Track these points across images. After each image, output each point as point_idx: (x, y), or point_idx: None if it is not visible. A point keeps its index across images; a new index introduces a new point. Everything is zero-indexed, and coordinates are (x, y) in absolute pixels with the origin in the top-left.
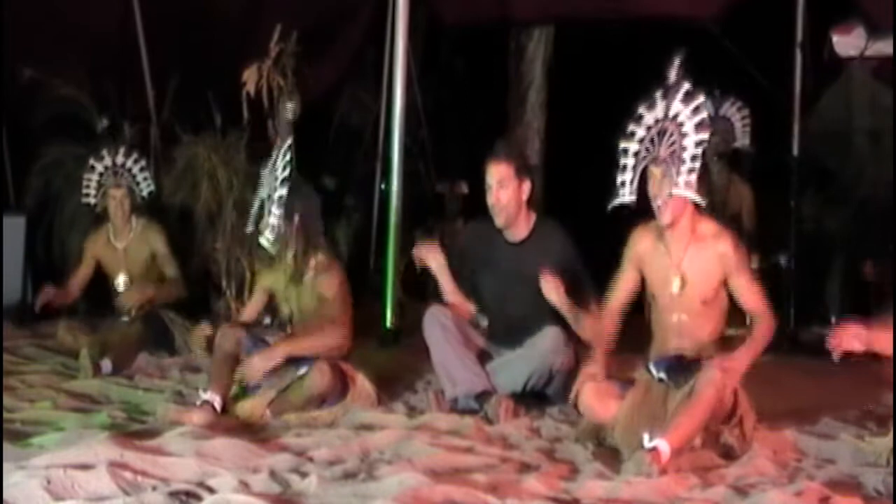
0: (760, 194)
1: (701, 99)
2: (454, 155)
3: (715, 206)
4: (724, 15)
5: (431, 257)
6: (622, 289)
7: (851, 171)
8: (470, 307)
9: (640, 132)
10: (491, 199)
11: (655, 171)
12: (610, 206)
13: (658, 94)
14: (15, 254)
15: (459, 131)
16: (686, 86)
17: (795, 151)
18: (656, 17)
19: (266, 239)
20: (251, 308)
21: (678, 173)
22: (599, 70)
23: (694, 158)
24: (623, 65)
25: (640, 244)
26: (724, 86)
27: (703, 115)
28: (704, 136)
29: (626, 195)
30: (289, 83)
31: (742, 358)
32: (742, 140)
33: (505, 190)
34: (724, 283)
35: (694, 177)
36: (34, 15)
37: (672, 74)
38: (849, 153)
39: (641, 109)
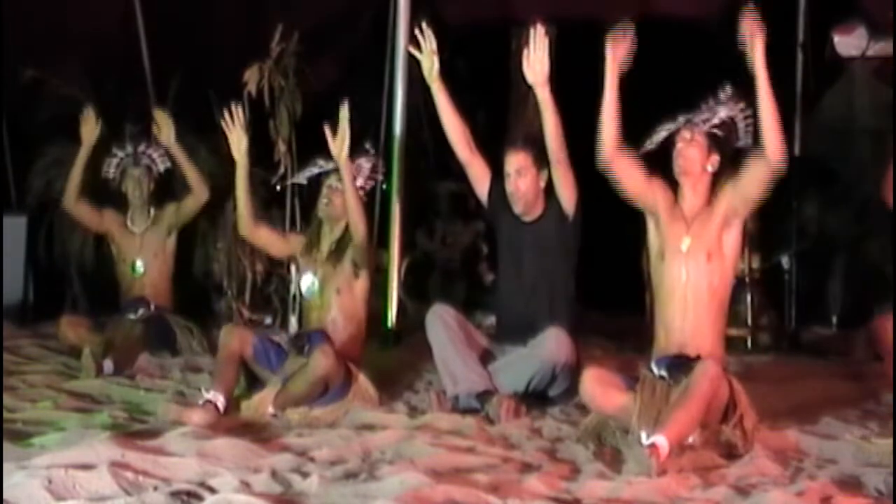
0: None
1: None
2: (455, 155)
3: None
4: (725, 15)
5: None
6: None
7: (853, 171)
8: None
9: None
10: (510, 187)
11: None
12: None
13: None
14: (15, 254)
15: None
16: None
17: (797, 151)
18: (656, 17)
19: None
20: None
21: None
22: (600, 70)
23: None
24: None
25: (667, 192)
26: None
27: (724, 114)
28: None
29: (654, 141)
30: (290, 83)
31: None
32: (745, 140)
33: (524, 178)
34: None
35: (692, 134)
36: (34, 15)
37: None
38: (850, 153)
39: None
